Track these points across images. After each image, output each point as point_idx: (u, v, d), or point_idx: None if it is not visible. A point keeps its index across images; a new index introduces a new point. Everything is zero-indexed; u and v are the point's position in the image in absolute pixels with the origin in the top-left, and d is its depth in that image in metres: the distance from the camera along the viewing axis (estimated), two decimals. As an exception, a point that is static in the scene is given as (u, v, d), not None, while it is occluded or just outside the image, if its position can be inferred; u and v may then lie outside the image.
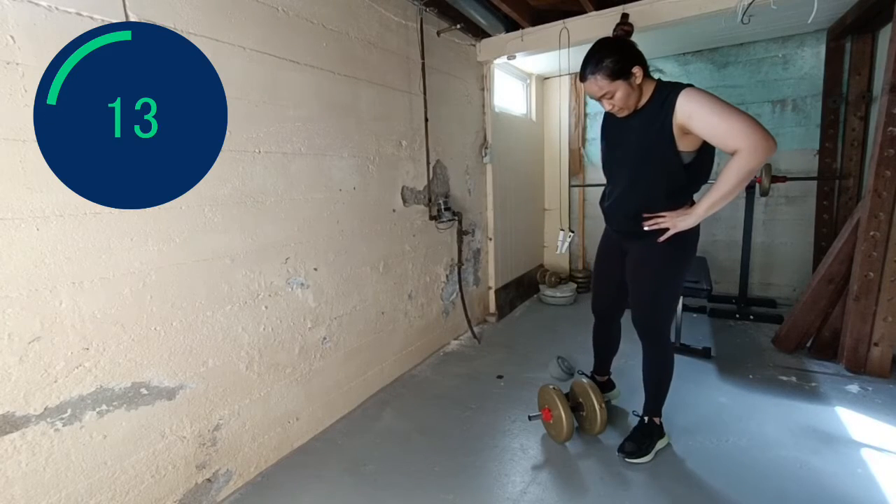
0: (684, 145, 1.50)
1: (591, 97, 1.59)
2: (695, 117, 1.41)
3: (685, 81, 1.54)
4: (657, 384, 1.86)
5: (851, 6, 2.79)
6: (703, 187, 1.62)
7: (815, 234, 3.52)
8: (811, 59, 3.45)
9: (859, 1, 2.69)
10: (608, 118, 1.74)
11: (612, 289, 1.93)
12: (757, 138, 1.35)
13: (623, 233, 1.78)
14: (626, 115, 1.59)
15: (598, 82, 1.51)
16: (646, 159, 1.58)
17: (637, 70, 1.49)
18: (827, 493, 1.63)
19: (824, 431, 1.99)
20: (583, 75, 1.56)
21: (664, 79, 1.59)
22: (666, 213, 1.58)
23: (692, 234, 1.63)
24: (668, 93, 1.49)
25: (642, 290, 1.75)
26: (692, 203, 1.62)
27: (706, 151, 1.55)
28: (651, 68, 1.58)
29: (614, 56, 1.48)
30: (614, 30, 1.60)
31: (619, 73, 1.48)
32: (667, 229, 1.58)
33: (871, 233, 2.39)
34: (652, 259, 1.68)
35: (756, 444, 1.92)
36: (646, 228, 1.61)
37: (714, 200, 1.48)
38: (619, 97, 1.51)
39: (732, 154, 1.40)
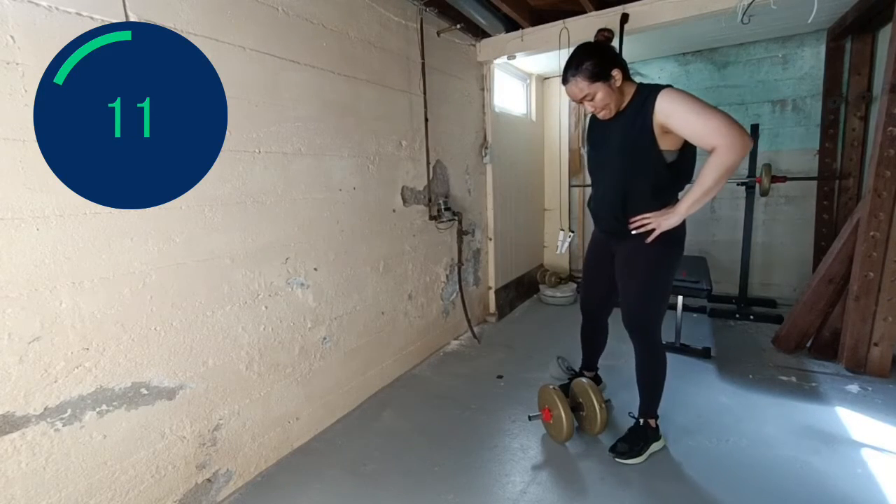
0: (666, 144, 1.52)
1: (573, 100, 1.63)
2: (673, 116, 1.44)
3: (685, 81, 1.58)
4: (650, 385, 1.85)
5: (851, 6, 2.79)
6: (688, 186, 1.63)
7: (815, 234, 3.52)
8: (811, 59, 3.44)
9: (859, 1, 2.69)
10: (592, 121, 1.77)
11: (602, 290, 1.95)
12: (734, 135, 1.37)
13: (611, 232, 1.79)
14: (609, 117, 1.62)
15: (579, 84, 1.55)
16: (629, 159, 1.60)
17: (616, 72, 1.53)
18: (827, 493, 1.64)
19: (824, 431, 1.99)
20: (564, 78, 1.61)
21: (646, 81, 1.60)
22: (650, 214, 1.59)
23: (679, 231, 1.64)
24: (647, 94, 1.52)
25: (631, 289, 1.75)
26: (677, 202, 1.63)
27: (688, 151, 1.57)
28: (632, 72, 1.58)
29: (594, 59, 1.52)
30: (595, 35, 1.63)
31: (599, 75, 1.52)
32: (653, 230, 1.59)
33: (871, 233, 2.39)
34: (640, 258, 1.68)
35: (756, 444, 1.92)
36: (633, 232, 1.63)
37: (696, 198, 1.49)
38: (600, 98, 1.55)
39: (711, 151, 1.42)
